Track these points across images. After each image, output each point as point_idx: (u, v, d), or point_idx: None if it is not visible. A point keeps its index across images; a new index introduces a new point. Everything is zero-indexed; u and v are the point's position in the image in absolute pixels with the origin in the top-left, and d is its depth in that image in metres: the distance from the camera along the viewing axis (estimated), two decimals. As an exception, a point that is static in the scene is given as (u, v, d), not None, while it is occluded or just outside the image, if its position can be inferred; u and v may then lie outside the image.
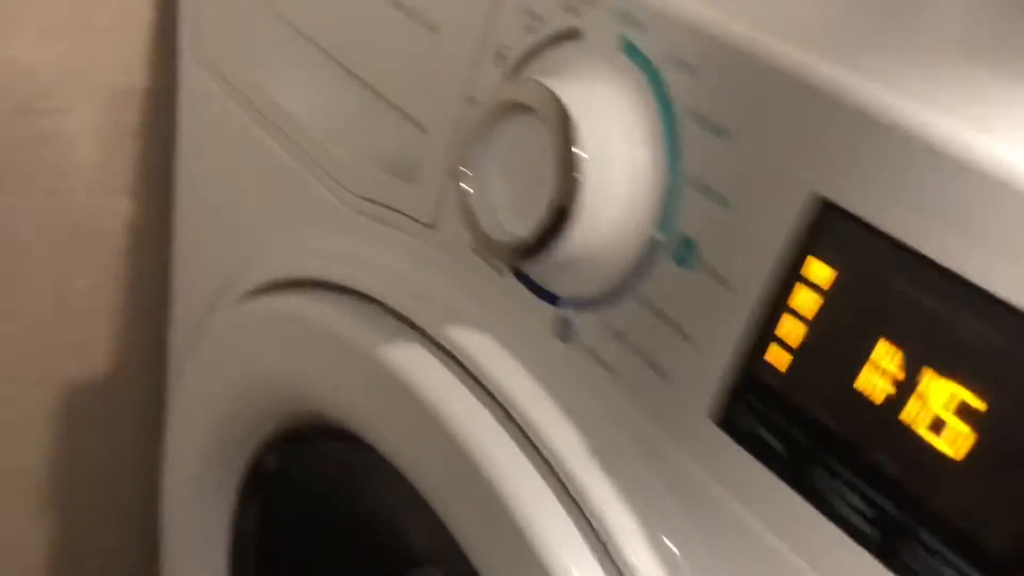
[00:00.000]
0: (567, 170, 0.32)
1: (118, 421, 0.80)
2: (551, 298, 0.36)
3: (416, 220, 0.44)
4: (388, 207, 0.45)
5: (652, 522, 0.34)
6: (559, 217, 0.32)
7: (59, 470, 0.79)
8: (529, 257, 0.33)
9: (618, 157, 0.32)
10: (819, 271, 0.28)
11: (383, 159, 0.47)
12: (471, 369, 0.39)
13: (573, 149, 0.32)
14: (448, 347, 0.40)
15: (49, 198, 0.68)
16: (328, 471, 0.59)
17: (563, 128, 0.32)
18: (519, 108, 0.33)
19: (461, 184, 0.35)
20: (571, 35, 0.35)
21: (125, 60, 0.65)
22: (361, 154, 0.48)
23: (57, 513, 0.81)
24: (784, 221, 0.28)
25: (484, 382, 0.38)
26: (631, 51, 0.33)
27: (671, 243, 0.32)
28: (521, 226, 0.34)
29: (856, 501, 0.27)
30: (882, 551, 0.27)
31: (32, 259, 0.70)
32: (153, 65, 0.66)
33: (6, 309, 0.70)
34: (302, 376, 0.50)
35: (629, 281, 0.33)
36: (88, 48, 0.63)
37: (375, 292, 0.47)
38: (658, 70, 0.32)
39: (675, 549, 0.33)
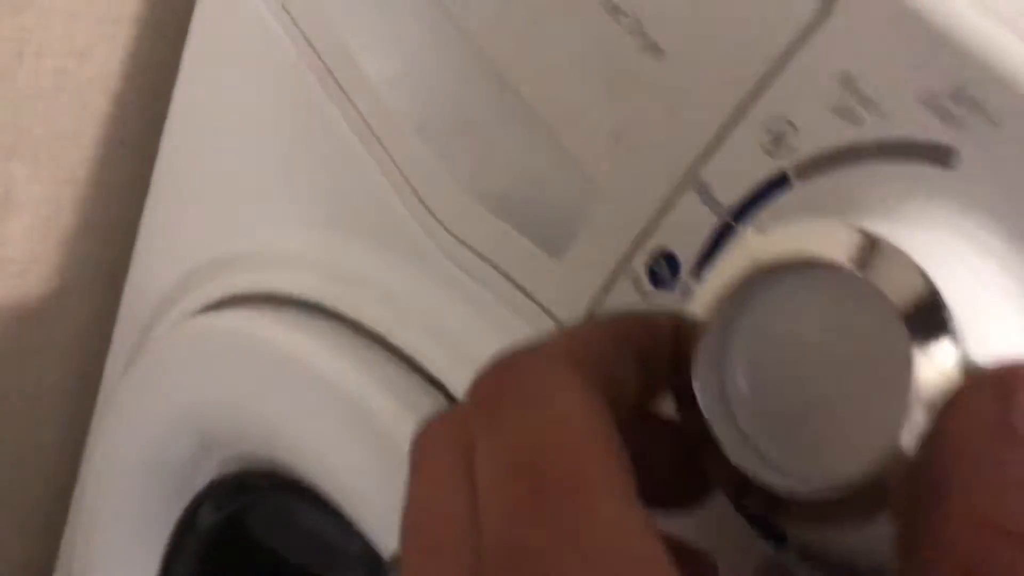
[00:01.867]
0: (931, 378, 0.18)
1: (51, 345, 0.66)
2: (775, 537, 0.23)
3: (540, 306, 0.30)
4: (500, 271, 0.32)
5: None
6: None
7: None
8: (819, 523, 0.19)
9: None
10: None
11: (509, 199, 0.33)
12: None
13: (947, 343, 0.19)
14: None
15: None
16: (276, 524, 0.46)
17: (928, 322, 0.19)
18: (821, 267, 0.20)
19: (694, 368, 0.21)
20: (928, 153, 0.21)
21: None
22: (476, 181, 0.33)
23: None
24: None
25: None
26: None
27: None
28: (791, 455, 0.20)
29: None
30: None
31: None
32: None
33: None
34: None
35: None
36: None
37: (434, 367, 0.34)
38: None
39: None
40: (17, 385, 0.66)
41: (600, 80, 0.28)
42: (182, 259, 0.47)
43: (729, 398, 0.21)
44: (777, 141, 0.24)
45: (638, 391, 0.21)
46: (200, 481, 0.44)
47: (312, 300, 0.39)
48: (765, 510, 0.20)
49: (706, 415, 0.21)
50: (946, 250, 0.20)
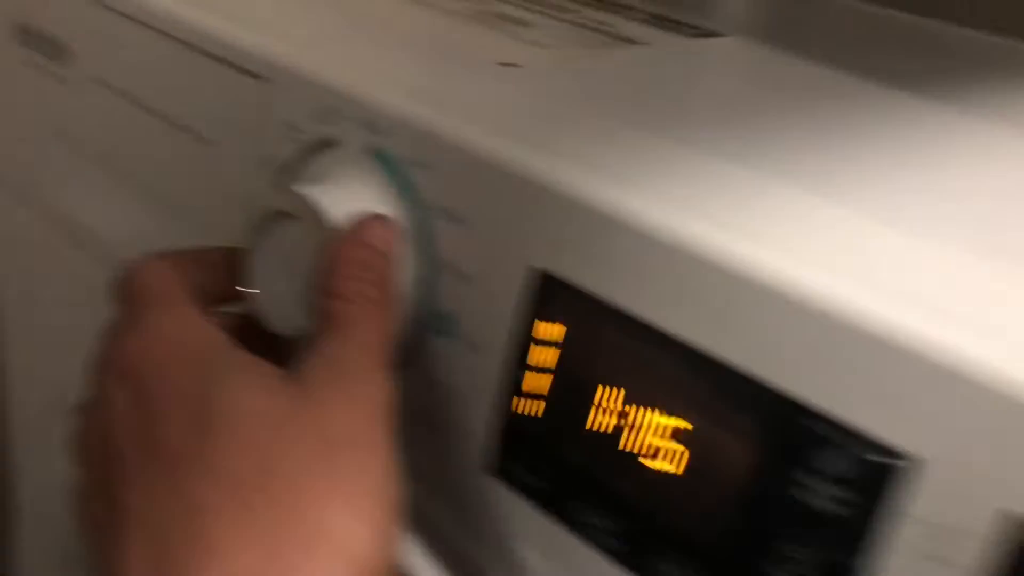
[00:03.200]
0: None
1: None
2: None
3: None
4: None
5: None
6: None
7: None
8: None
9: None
10: (548, 331, 0.32)
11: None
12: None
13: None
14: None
15: None
16: None
17: (324, 231, 0.36)
18: (284, 216, 0.37)
19: (249, 289, 0.38)
20: (329, 144, 0.39)
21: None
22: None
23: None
24: (514, 291, 0.33)
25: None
26: (380, 156, 0.37)
27: (436, 320, 0.36)
28: (305, 315, 0.37)
29: (606, 523, 0.32)
30: (631, 563, 0.31)
31: None
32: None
33: None
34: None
35: (408, 358, 0.37)
36: None
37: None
38: (405, 171, 0.36)
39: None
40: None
41: (189, 168, 0.45)
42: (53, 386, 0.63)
43: (274, 289, 0.38)
44: (271, 164, 0.41)
45: (218, 285, 0.37)
46: None
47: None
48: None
49: (258, 304, 0.38)
50: (333, 192, 0.37)
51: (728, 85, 0.48)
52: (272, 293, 0.39)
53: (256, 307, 0.38)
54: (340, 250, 0.35)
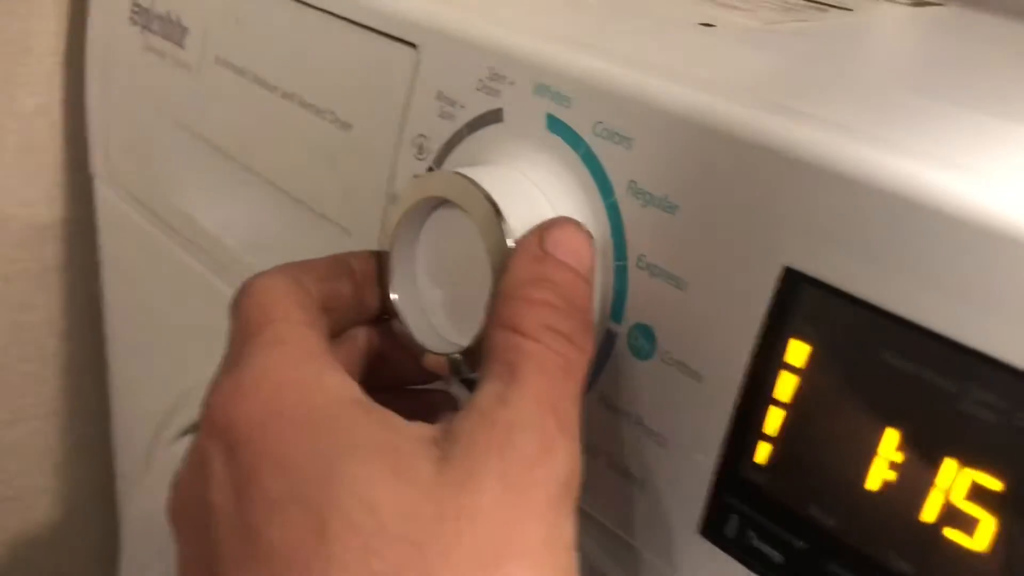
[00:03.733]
0: (503, 265, 0.28)
1: (71, 574, 0.74)
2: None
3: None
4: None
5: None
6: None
7: (9, 637, 0.73)
8: (475, 368, 0.29)
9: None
10: (798, 352, 0.24)
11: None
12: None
13: (507, 242, 0.28)
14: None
15: (-31, 346, 0.63)
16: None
17: (491, 220, 0.29)
18: (440, 203, 0.30)
19: (390, 292, 0.31)
20: (493, 118, 0.32)
21: (38, 193, 0.62)
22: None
23: None
24: (753, 299, 0.25)
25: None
26: (558, 128, 0.30)
27: (628, 334, 0.28)
28: (460, 332, 0.30)
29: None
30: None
31: (-43, 413, 0.65)
32: (70, 195, 0.63)
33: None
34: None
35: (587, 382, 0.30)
36: (-5, 184, 0.60)
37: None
38: (590, 146, 0.29)
39: None
40: None
41: (323, 156, 0.39)
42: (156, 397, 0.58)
43: (422, 299, 0.31)
44: (420, 149, 0.34)
45: (352, 294, 0.30)
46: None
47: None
48: (456, 376, 0.30)
49: (399, 315, 0.31)
50: (506, 176, 0.30)
51: (973, 48, 0.39)
52: (420, 305, 0.31)
53: (398, 324, 0.31)
54: (525, 266, 0.26)
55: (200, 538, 0.24)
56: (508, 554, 0.22)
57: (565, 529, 0.23)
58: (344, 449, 0.23)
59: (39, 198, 0.62)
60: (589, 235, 0.28)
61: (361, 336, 0.31)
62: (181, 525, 0.25)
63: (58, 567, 0.73)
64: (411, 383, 0.32)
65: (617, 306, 0.29)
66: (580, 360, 0.25)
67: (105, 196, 0.59)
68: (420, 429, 0.24)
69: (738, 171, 0.25)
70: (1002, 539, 0.21)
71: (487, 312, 0.27)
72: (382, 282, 0.31)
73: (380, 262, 0.31)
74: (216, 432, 0.24)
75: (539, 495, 0.22)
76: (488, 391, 0.24)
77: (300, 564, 0.21)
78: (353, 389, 0.25)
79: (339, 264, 0.30)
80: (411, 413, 0.25)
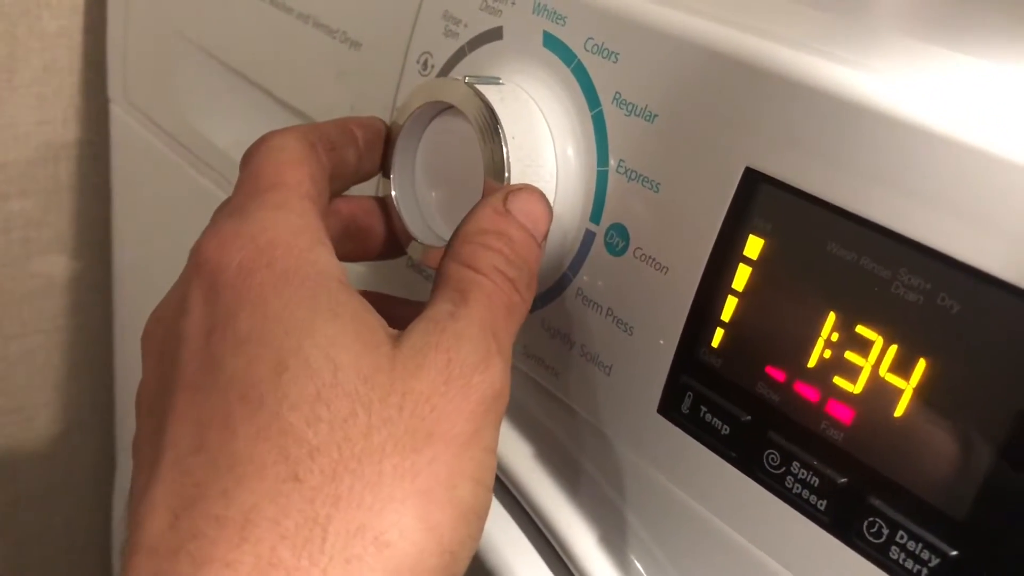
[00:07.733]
0: (496, 169, 0.31)
1: (65, 487, 0.77)
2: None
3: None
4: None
5: (611, 534, 0.33)
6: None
7: (3, 542, 0.76)
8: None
9: (546, 151, 0.32)
10: (754, 246, 0.27)
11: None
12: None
13: (503, 147, 0.31)
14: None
15: (-19, 257, 0.66)
16: None
17: (487, 124, 0.31)
18: (441, 107, 0.33)
19: (390, 191, 0.34)
20: (493, 36, 0.34)
21: (55, 113, 0.64)
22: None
23: (3, 589, 0.78)
24: (716, 198, 0.28)
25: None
26: (553, 44, 0.32)
27: (605, 233, 0.31)
28: (450, 230, 0.33)
29: (807, 476, 0.26)
30: (837, 526, 0.26)
31: (-34, 322, 0.67)
32: (86, 116, 0.65)
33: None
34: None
35: (565, 278, 0.32)
36: (15, 102, 0.62)
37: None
38: (581, 61, 0.31)
39: (636, 560, 0.32)
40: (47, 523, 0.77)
41: (331, 73, 0.41)
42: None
43: (414, 183, 0.34)
44: (425, 65, 0.37)
45: (356, 162, 0.32)
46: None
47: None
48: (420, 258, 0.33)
49: (397, 210, 0.33)
50: (503, 88, 0.33)
51: None
52: (415, 197, 0.34)
53: (391, 200, 0.34)
54: (488, 216, 0.29)
55: (164, 361, 0.26)
56: (438, 436, 0.24)
57: (490, 433, 0.26)
58: (321, 311, 0.25)
59: (56, 118, 0.64)
60: (549, 207, 0.30)
61: (344, 210, 0.33)
62: (150, 349, 0.27)
63: (53, 480, 0.76)
64: (374, 259, 0.35)
65: (596, 208, 0.31)
66: (521, 307, 0.28)
67: (120, 118, 0.62)
68: (385, 324, 0.26)
69: (712, 82, 0.28)
70: (919, 408, 0.24)
71: (445, 248, 0.29)
72: (385, 153, 0.34)
73: (383, 136, 0.34)
74: (205, 272, 0.26)
75: (473, 396, 0.25)
76: (440, 308, 0.27)
77: (254, 397, 0.23)
78: (341, 270, 0.27)
79: (346, 132, 0.32)
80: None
